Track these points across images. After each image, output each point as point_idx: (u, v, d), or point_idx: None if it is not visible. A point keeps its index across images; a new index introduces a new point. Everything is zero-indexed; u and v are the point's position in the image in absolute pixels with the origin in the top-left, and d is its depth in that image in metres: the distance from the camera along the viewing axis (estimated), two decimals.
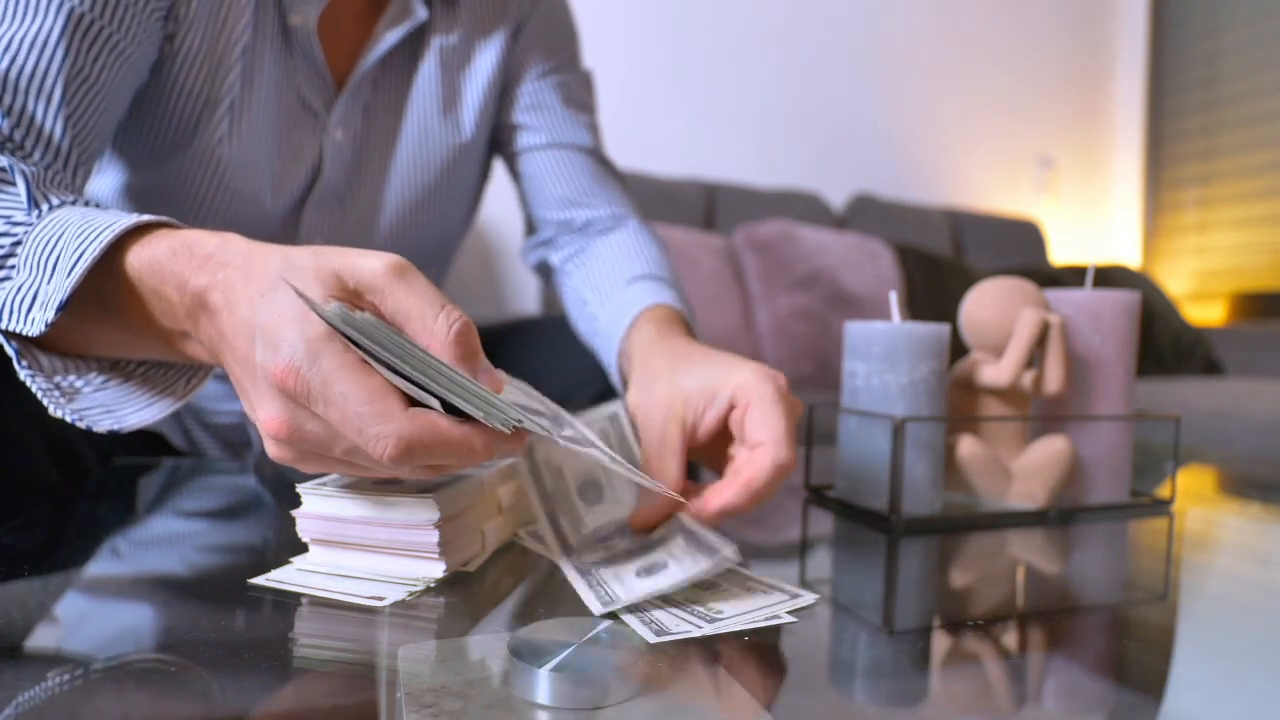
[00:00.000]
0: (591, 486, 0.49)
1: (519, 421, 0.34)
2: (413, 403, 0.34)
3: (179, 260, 0.40)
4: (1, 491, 0.59)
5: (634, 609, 0.36)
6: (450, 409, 0.34)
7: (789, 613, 0.37)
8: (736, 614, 0.36)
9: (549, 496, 0.47)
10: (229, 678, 0.31)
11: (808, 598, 0.39)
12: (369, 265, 0.36)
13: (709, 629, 0.34)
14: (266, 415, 0.35)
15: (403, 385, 0.33)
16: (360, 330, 0.33)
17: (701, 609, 0.37)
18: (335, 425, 0.33)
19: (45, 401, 0.45)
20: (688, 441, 0.49)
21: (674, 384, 0.50)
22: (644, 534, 0.46)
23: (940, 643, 0.37)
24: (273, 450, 0.37)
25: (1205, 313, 2.90)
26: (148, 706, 0.29)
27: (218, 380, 0.78)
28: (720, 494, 0.45)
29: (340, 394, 0.33)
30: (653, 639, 0.33)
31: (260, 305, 0.35)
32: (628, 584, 0.38)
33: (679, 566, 0.38)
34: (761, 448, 0.45)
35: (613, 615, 0.36)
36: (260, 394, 0.36)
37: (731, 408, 0.48)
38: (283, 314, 0.34)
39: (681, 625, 0.35)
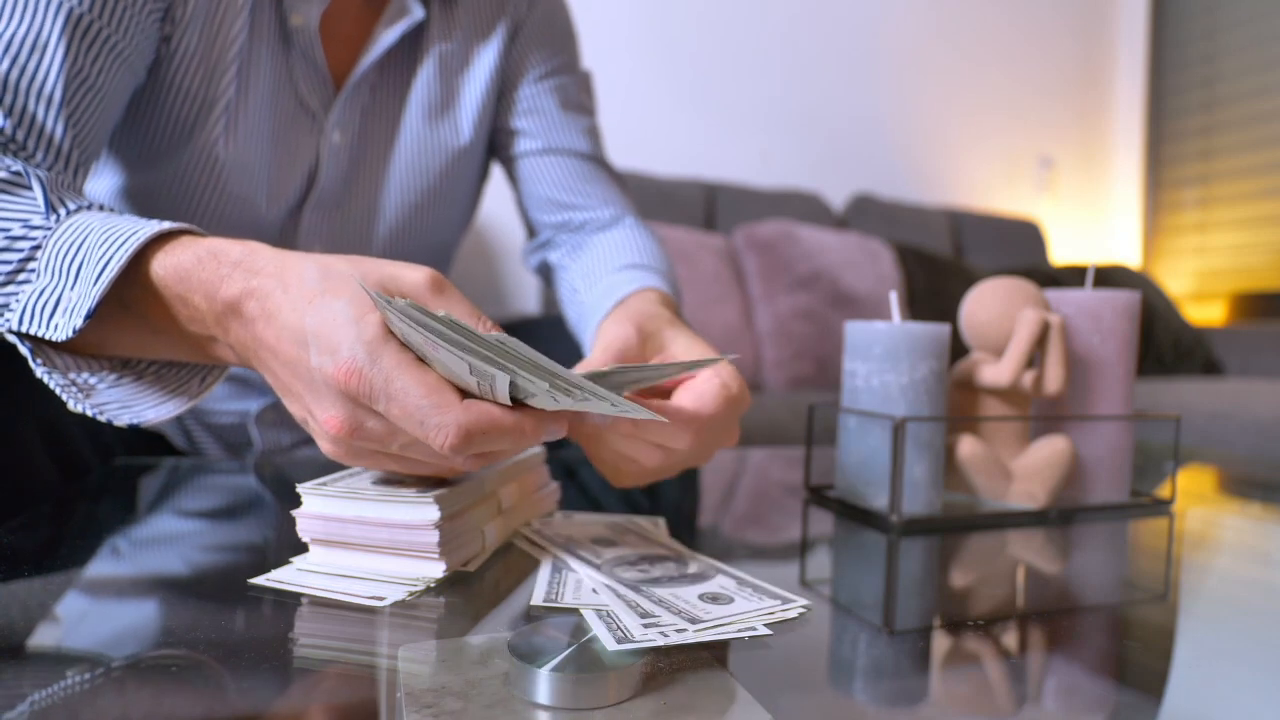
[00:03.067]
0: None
1: (582, 392, 0.35)
2: (465, 395, 0.36)
3: (206, 268, 0.42)
4: (1, 491, 0.59)
5: (600, 610, 0.35)
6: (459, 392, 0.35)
7: (766, 625, 0.35)
8: (712, 622, 0.34)
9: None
10: (229, 678, 0.31)
11: (795, 608, 0.37)
12: (411, 278, 0.39)
13: (675, 639, 0.32)
14: (327, 415, 0.37)
15: (463, 375, 0.34)
16: (437, 321, 0.34)
17: (674, 613, 0.35)
18: (396, 420, 0.35)
19: (64, 396, 0.45)
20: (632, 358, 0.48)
21: (636, 328, 0.50)
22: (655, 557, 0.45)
23: (940, 643, 0.37)
24: (328, 449, 0.39)
25: (1205, 313, 2.90)
26: (148, 706, 0.29)
27: (221, 382, 0.78)
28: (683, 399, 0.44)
29: (402, 389, 0.34)
30: (613, 645, 0.31)
31: (309, 312, 0.37)
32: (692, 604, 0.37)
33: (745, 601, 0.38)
34: (706, 375, 0.45)
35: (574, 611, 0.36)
36: (318, 396, 0.37)
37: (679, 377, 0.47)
38: (336, 319, 0.36)
39: (647, 635, 0.33)
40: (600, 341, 0.50)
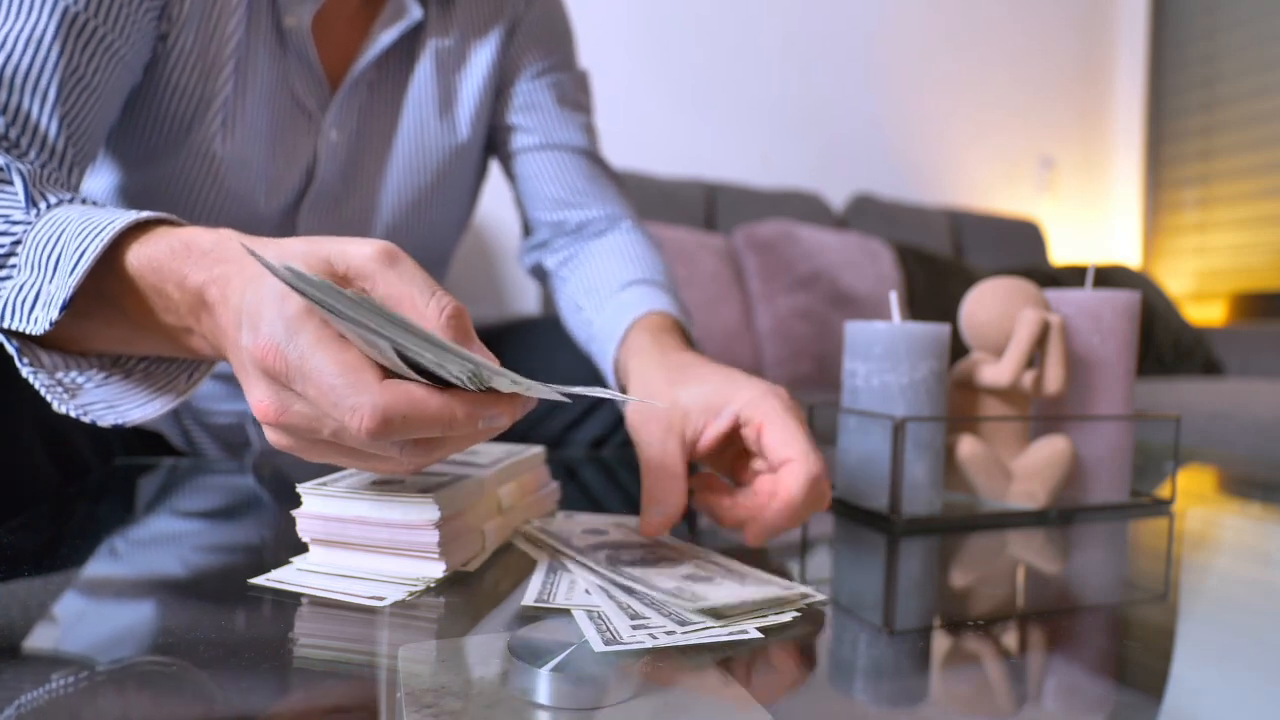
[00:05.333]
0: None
1: (513, 382, 0.32)
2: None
3: (178, 258, 0.41)
4: (1, 491, 0.59)
5: (591, 611, 0.35)
6: (431, 377, 0.33)
7: (759, 628, 0.35)
8: (698, 625, 0.34)
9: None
10: (229, 678, 0.31)
11: (788, 612, 0.37)
12: (359, 251, 0.36)
13: (664, 640, 0.32)
14: (255, 399, 0.35)
15: (373, 353, 0.32)
16: (314, 286, 0.31)
17: (667, 613, 0.35)
18: (314, 401, 0.33)
19: (49, 397, 0.45)
20: (688, 459, 0.49)
21: (674, 400, 0.50)
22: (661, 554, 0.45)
23: (940, 643, 0.37)
24: (270, 436, 0.36)
25: (1205, 313, 2.90)
26: (148, 706, 0.29)
27: (218, 380, 0.78)
28: (760, 518, 0.45)
29: (315, 368, 0.32)
30: (600, 646, 0.31)
31: (248, 291, 0.35)
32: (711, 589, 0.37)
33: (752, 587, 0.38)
34: (790, 463, 0.45)
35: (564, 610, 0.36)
36: (247, 377, 0.36)
37: (738, 426, 0.48)
38: (265, 296, 0.34)
39: (635, 636, 0.32)
40: (653, 458, 0.49)
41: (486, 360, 0.34)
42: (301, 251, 0.36)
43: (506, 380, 0.33)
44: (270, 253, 0.36)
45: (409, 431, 0.32)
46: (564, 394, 0.34)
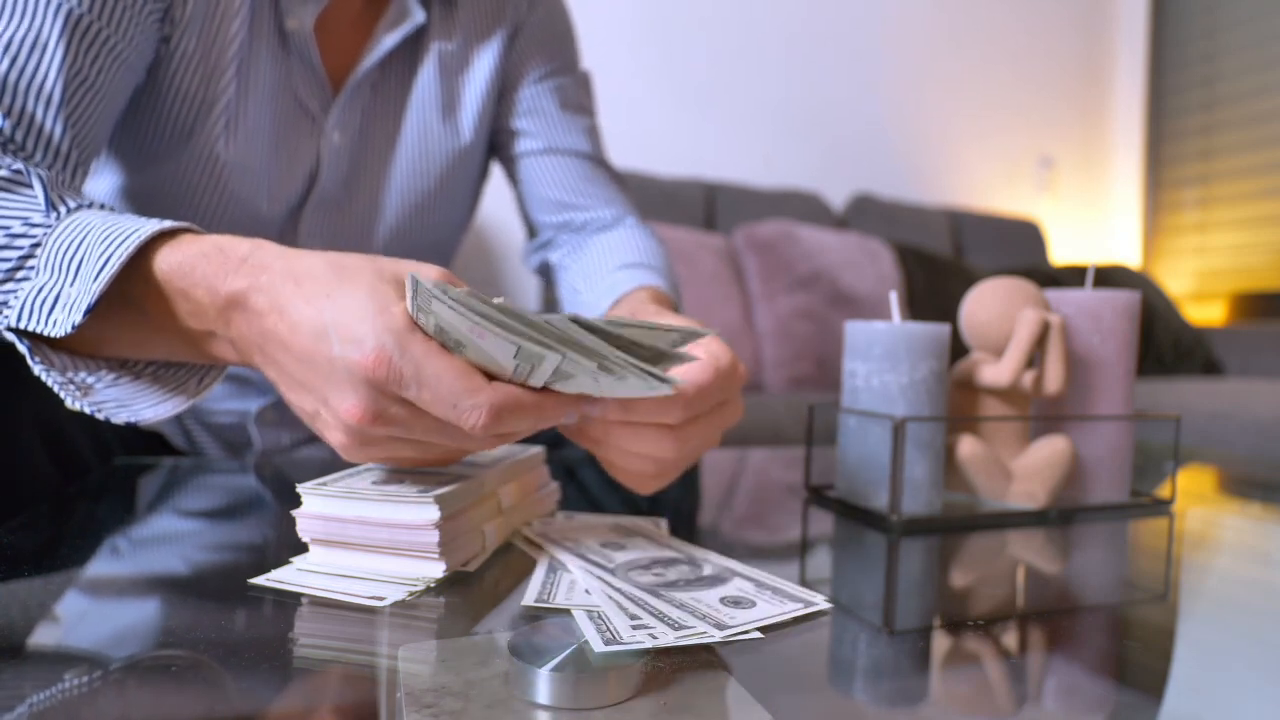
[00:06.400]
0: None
1: (623, 369, 0.36)
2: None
3: (211, 263, 0.42)
4: (1, 491, 0.59)
5: (591, 611, 0.35)
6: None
7: (759, 629, 0.34)
8: (694, 629, 0.34)
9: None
10: (229, 678, 0.31)
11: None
12: (423, 275, 0.39)
13: (664, 640, 0.32)
14: (348, 405, 0.37)
15: (503, 360, 0.36)
16: (490, 306, 0.35)
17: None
18: (427, 405, 0.36)
19: (62, 394, 0.45)
20: None
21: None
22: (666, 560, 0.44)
23: (940, 643, 0.37)
24: (338, 439, 0.39)
25: (1205, 313, 2.90)
26: (148, 706, 0.29)
27: (220, 381, 0.78)
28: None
29: (434, 375, 0.36)
30: (600, 646, 0.31)
31: (328, 305, 0.38)
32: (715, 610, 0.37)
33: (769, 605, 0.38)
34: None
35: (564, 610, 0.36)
36: (337, 386, 0.37)
37: None
38: (360, 310, 0.37)
39: (635, 636, 0.32)
40: None
41: (619, 353, 0.37)
42: (369, 269, 0.40)
43: (615, 375, 0.36)
44: (321, 265, 0.40)
45: (513, 424, 0.37)
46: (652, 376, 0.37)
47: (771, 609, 0.37)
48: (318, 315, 0.38)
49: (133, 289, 0.44)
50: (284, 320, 0.39)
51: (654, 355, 0.40)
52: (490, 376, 0.38)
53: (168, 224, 0.45)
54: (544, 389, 0.38)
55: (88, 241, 0.44)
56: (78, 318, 0.43)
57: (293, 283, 0.39)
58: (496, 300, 0.36)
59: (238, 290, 0.41)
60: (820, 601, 0.38)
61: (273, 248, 0.42)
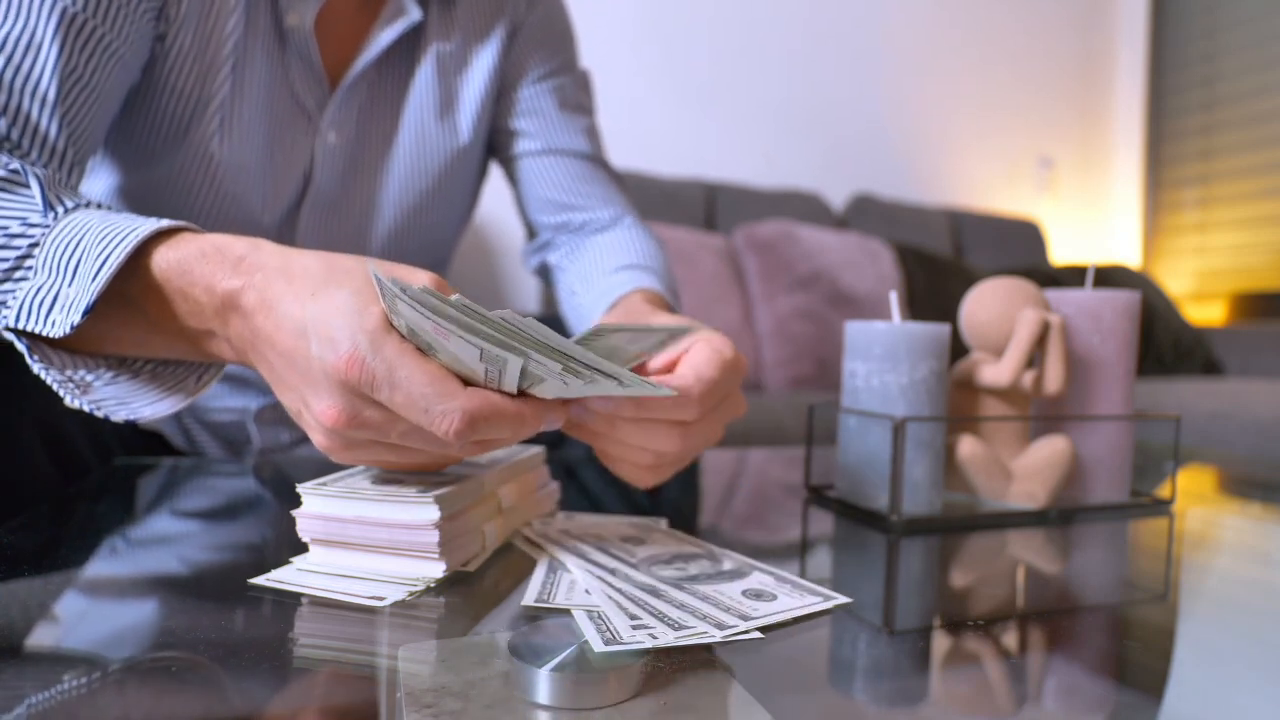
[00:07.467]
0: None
1: (591, 373, 0.35)
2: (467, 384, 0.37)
3: (210, 262, 0.42)
4: (1, 491, 0.59)
5: (591, 611, 0.35)
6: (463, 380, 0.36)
7: (759, 629, 0.34)
8: (695, 629, 0.34)
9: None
10: (229, 678, 0.30)
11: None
12: (414, 280, 0.39)
13: (664, 640, 0.32)
14: (324, 406, 0.37)
15: (471, 363, 0.35)
16: (450, 305, 0.34)
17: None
18: (399, 408, 0.35)
19: (61, 392, 0.45)
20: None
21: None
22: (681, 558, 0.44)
23: (940, 643, 0.37)
24: (321, 441, 0.39)
25: (1205, 313, 2.90)
26: (148, 706, 0.29)
27: (219, 379, 0.78)
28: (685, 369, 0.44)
29: (406, 377, 0.35)
30: (600, 646, 0.31)
31: (310, 303, 0.37)
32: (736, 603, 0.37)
33: (788, 599, 0.38)
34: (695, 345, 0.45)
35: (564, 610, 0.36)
36: (315, 387, 0.37)
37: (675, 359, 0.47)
38: (338, 309, 0.36)
39: (635, 636, 0.32)
40: None
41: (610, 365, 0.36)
42: (360, 270, 0.39)
43: (583, 379, 0.35)
44: (315, 264, 0.39)
45: (487, 432, 0.36)
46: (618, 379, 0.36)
47: (793, 601, 0.38)
48: (300, 314, 0.37)
49: (131, 288, 0.44)
50: (270, 318, 0.39)
51: (635, 358, 0.40)
52: (468, 382, 0.37)
53: (165, 223, 0.44)
54: (522, 395, 0.37)
55: (85, 241, 0.44)
56: (76, 318, 0.43)
57: (284, 281, 0.39)
58: (454, 297, 0.35)
59: (234, 289, 0.41)
60: (840, 596, 0.39)
61: (271, 247, 0.42)
